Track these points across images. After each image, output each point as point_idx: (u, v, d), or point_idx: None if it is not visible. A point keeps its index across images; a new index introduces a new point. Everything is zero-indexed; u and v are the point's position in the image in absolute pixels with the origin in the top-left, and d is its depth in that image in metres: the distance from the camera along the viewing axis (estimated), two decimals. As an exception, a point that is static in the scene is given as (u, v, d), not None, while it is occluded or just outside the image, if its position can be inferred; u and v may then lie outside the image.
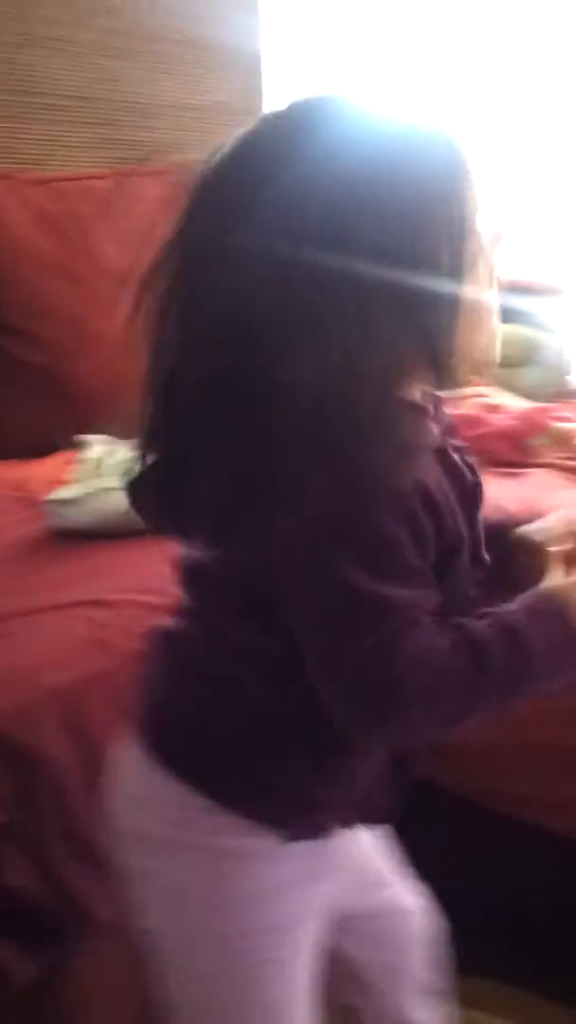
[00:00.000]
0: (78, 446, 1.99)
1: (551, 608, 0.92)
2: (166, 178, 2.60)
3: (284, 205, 0.85)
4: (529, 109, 3.22)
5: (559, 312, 2.65)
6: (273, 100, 3.26)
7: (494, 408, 2.13)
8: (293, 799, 0.99)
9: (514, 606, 0.92)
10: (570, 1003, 1.41)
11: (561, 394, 2.43)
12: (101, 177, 2.54)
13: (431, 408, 0.97)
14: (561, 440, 2.00)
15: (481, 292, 0.93)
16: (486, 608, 0.93)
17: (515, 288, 1.06)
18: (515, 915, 1.53)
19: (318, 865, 1.03)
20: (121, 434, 1.69)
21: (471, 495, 0.99)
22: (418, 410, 0.95)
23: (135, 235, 2.44)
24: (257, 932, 1.01)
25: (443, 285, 0.88)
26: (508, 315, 2.25)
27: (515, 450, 1.95)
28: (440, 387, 0.96)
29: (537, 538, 1.04)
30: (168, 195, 2.58)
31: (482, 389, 2.26)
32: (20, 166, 2.65)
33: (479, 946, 1.64)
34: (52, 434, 2.29)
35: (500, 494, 1.72)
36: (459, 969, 1.60)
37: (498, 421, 2.05)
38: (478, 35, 3.45)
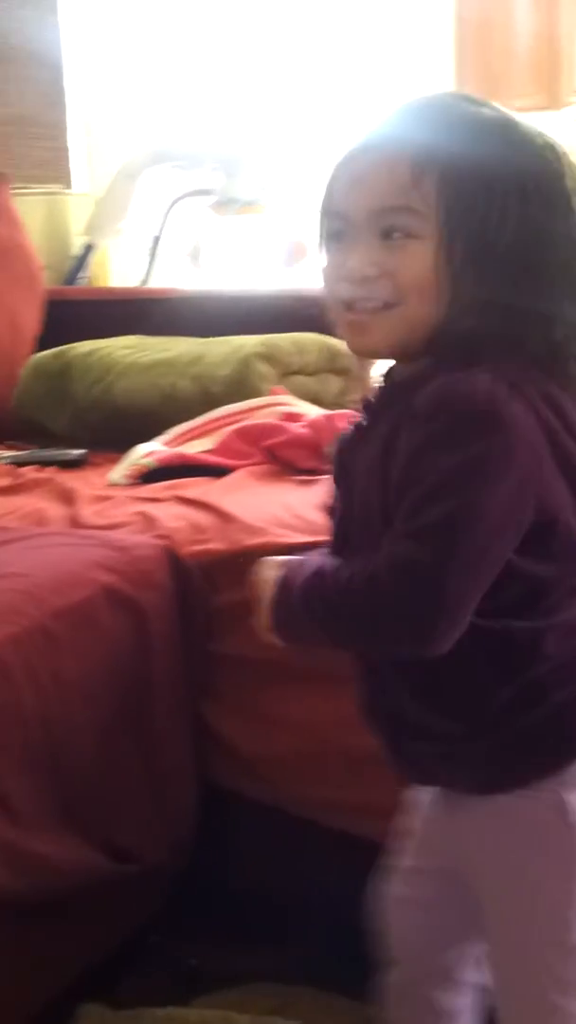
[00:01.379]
0: None
1: None
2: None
3: None
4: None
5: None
6: (76, 112, 3.24)
7: (293, 416, 2.15)
8: None
9: None
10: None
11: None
12: None
13: None
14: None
15: None
16: None
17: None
18: (327, 920, 1.55)
19: None
20: None
21: None
22: None
23: None
24: None
25: None
26: (310, 324, 2.26)
27: (313, 457, 1.98)
28: None
29: None
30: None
31: (281, 398, 2.28)
32: None
33: (294, 952, 1.66)
34: None
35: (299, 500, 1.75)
36: (276, 977, 1.62)
37: (296, 429, 2.08)
38: (293, 37, 3.54)
